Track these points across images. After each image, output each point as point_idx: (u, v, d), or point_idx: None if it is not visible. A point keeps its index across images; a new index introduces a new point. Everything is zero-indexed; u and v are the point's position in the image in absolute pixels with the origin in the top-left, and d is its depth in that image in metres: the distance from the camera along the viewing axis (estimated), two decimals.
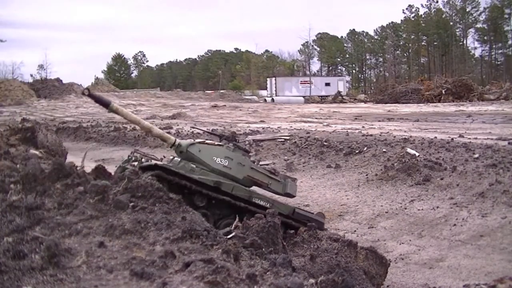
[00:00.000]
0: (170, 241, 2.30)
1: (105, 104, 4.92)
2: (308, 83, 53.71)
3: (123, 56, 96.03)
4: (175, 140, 5.16)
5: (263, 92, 56.54)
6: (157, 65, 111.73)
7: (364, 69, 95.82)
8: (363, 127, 15.73)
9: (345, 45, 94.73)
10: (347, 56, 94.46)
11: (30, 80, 51.60)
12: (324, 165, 10.25)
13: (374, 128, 15.38)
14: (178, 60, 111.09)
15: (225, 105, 34.65)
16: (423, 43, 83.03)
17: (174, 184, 4.45)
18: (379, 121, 18.97)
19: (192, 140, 5.27)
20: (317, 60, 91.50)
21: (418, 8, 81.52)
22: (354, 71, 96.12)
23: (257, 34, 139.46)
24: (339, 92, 48.14)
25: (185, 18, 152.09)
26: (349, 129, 14.72)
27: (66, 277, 1.86)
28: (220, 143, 5.21)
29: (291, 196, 5.32)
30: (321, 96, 50.25)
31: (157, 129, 5.31)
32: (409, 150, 9.57)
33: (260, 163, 5.67)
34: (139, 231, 2.36)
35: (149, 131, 5.31)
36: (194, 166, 4.90)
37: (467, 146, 9.64)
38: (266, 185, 5.10)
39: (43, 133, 6.07)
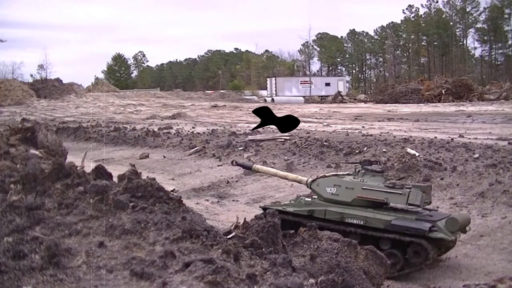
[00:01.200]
0: (170, 241, 2.30)
1: (248, 167, 6.50)
2: (308, 83, 53.69)
3: (123, 56, 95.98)
4: (307, 180, 5.83)
5: (263, 92, 56.50)
6: (157, 65, 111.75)
7: (364, 69, 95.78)
8: (363, 127, 15.73)
9: (345, 45, 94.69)
10: (347, 56, 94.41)
11: (30, 80, 51.52)
12: (324, 165, 10.25)
13: (374, 128, 15.38)
14: (178, 60, 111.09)
15: (225, 105, 34.64)
16: (423, 43, 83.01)
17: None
18: (379, 121, 18.97)
19: (318, 176, 5.86)
20: (317, 60, 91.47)
21: (418, 8, 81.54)
22: (354, 71, 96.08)
23: (257, 34, 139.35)
24: (339, 92, 48.09)
25: (185, 18, 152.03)
26: (349, 129, 14.72)
27: (66, 277, 1.86)
28: (341, 173, 5.78)
29: (416, 206, 5.11)
30: (321, 96, 50.24)
31: (291, 175, 6.24)
32: (409, 150, 9.57)
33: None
34: (139, 231, 2.36)
35: (285, 178, 6.33)
36: (309, 200, 5.60)
37: (467, 146, 9.64)
38: (383, 201, 5.21)
39: (43, 133, 6.06)
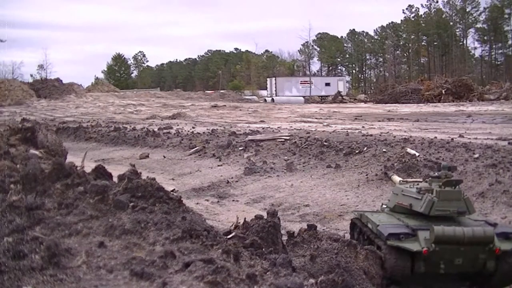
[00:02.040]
0: (170, 241, 2.30)
1: (389, 177, 6.72)
2: (308, 83, 53.73)
3: (123, 56, 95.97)
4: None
5: (263, 92, 56.54)
6: (157, 65, 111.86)
7: (364, 69, 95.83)
8: (363, 127, 15.73)
9: (345, 45, 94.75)
10: (347, 56, 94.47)
11: (30, 80, 51.58)
12: (324, 165, 10.25)
13: (374, 128, 15.38)
14: (178, 60, 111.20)
15: (225, 105, 34.66)
16: (423, 43, 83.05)
17: None
18: (379, 121, 18.97)
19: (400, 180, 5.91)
20: (317, 60, 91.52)
21: (418, 8, 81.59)
22: (354, 71, 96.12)
23: (257, 34, 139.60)
24: (339, 92, 48.15)
25: (185, 18, 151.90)
26: (349, 129, 14.72)
27: (66, 277, 1.86)
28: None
29: (423, 213, 4.75)
30: (321, 96, 50.29)
31: (396, 178, 6.39)
32: (409, 150, 9.57)
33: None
34: (139, 231, 2.36)
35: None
36: (384, 206, 5.62)
37: (467, 146, 9.64)
38: (407, 207, 5.02)
39: (43, 133, 6.06)
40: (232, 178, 10.14)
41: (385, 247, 4.47)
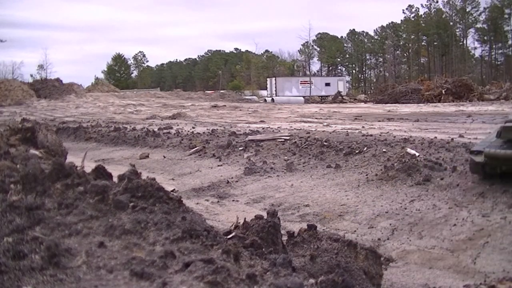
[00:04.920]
0: (170, 241, 2.30)
1: None
2: (308, 83, 53.76)
3: (123, 56, 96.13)
4: None
5: (263, 92, 56.59)
6: (157, 65, 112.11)
7: (364, 69, 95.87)
8: (363, 127, 15.73)
9: (345, 45, 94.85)
10: (347, 56, 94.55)
11: (30, 80, 51.68)
12: (324, 165, 10.24)
13: (374, 128, 15.38)
14: (178, 60, 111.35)
15: (225, 105, 34.66)
16: (423, 43, 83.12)
17: None
18: (379, 121, 18.98)
19: None
20: (317, 60, 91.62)
21: (418, 8, 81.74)
22: (354, 71, 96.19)
23: (257, 34, 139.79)
24: (339, 92, 48.17)
25: (185, 18, 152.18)
26: (349, 129, 14.72)
27: (66, 277, 1.86)
28: None
29: None
30: (321, 96, 50.31)
31: None
32: (409, 150, 9.57)
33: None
34: (139, 231, 2.36)
35: None
36: None
37: (467, 146, 9.64)
38: None
39: (43, 133, 6.06)
40: (232, 178, 10.13)
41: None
